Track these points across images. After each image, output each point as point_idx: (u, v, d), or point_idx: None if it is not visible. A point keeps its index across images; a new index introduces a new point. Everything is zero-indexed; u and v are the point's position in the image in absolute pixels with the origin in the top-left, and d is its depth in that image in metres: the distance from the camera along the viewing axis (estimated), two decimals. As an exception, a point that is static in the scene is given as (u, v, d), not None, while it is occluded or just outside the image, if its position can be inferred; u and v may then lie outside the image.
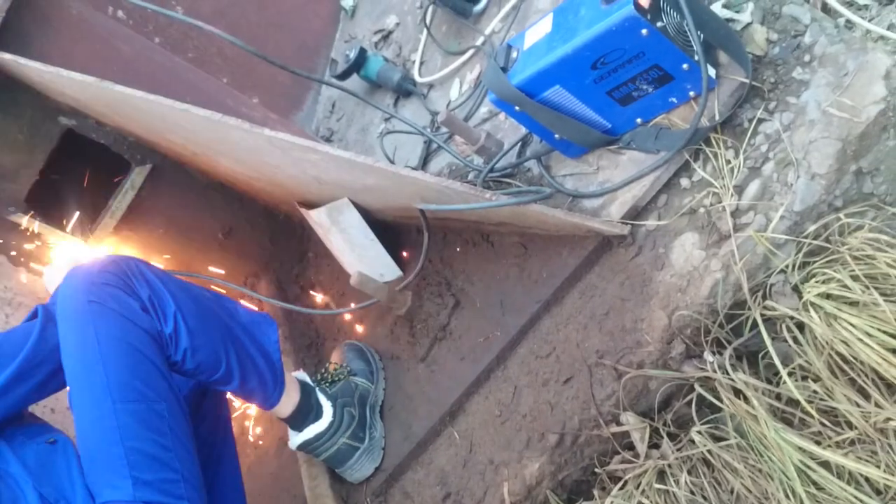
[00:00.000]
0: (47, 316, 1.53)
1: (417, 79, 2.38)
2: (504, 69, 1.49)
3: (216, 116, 1.57)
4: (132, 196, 2.34)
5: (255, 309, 1.83)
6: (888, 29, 1.66)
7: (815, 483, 1.28)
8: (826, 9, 1.65)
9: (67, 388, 1.42)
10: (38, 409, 2.42)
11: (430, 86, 2.34)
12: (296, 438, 1.77)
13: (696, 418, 1.42)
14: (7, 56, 1.88)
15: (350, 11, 2.99)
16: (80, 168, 2.36)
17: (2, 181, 2.15)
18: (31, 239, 2.26)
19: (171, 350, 1.48)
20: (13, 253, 2.25)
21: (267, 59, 2.14)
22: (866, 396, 1.25)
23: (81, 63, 2.03)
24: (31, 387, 1.49)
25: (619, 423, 1.49)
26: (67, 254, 1.88)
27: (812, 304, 1.28)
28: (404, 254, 2.05)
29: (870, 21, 1.70)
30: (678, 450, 1.44)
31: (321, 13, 3.02)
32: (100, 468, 1.34)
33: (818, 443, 1.28)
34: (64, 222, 2.28)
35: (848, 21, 1.66)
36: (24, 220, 2.20)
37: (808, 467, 1.27)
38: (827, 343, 1.26)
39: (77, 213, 2.29)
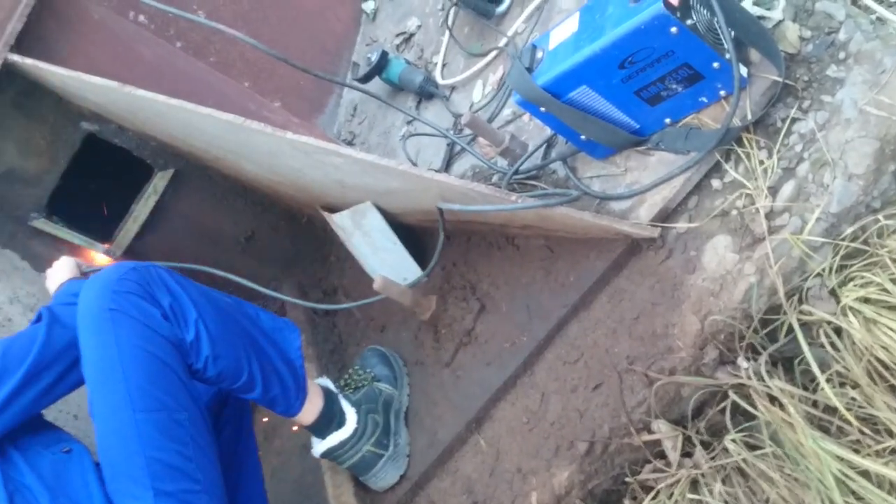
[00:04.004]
0: (52, 317, 1.52)
1: (440, 81, 2.36)
2: (529, 70, 1.46)
3: (239, 120, 1.56)
4: (155, 201, 2.33)
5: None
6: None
7: (853, 493, 1.24)
8: (856, 4, 1.61)
9: (78, 391, 1.42)
10: (62, 415, 2.42)
11: (453, 88, 2.32)
12: (319, 446, 1.74)
13: (730, 426, 1.39)
14: (29, 61, 1.88)
15: (371, 14, 2.97)
16: (103, 173, 2.36)
17: (24, 186, 2.15)
18: (54, 244, 2.26)
19: (193, 358, 1.46)
20: (36, 258, 2.25)
21: (289, 63, 2.12)
22: (907, 404, 1.22)
23: (103, 67, 2.02)
24: (39, 391, 1.48)
25: (650, 431, 1.46)
26: (71, 256, 1.87)
27: (850, 308, 1.25)
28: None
29: (903, 17, 1.66)
30: (712, 458, 1.40)
31: (342, 16, 3.00)
32: (120, 478, 1.33)
33: (857, 451, 1.24)
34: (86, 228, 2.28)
35: (879, 17, 1.62)
36: (47, 226, 2.20)
37: (847, 476, 1.23)
38: (866, 348, 1.23)
39: (99, 219, 2.29)
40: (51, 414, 1.69)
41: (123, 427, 1.33)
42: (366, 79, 2.53)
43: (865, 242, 1.29)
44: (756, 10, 1.46)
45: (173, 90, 1.75)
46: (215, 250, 2.53)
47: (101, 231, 2.34)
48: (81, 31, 2.09)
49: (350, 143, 2.75)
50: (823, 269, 1.30)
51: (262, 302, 2.59)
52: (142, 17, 2.45)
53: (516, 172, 1.78)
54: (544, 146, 1.78)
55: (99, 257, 2.33)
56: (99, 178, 2.37)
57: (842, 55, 1.35)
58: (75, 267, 1.81)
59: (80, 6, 2.10)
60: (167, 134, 2.11)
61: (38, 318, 1.56)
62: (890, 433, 1.23)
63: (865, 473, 1.22)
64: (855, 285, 1.27)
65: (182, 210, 2.41)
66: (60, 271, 1.78)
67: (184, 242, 2.45)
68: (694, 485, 1.41)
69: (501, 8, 2.21)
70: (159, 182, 2.33)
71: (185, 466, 1.35)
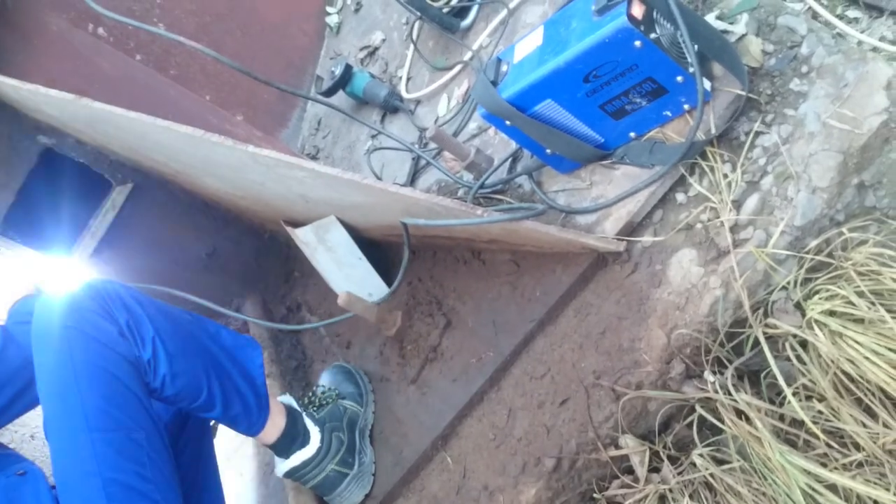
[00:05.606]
0: (6, 337, 1.48)
1: (404, 95, 2.35)
2: (494, 83, 1.45)
3: (198, 133, 1.53)
4: (113, 216, 2.29)
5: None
6: (879, 40, 1.64)
7: (821, 507, 1.23)
8: (817, 19, 1.63)
9: (36, 411, 1.38)
10: (18, 435, 2.36)
11: (418, 102, 2.31)
12: (282, 465, 1.71)
13: (697, 440, 1.38)
14: (-17, 73, 1.84)
15: (335, 28, 2.96)
16: (60, 187, 2.31)
17: (-21, 201, 2.10)
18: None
19: (150, 376, 1.42)
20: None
21: (251, 76, 2.10)
22: (873, 416, 1.21)
23: (61, 80, 1.99)
24: None
25: (617, 447, 1.44)
26: (27, 272, 1.83)
27: (816, 321, 1.24)
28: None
29: (861, 33, 1.68)
30: (679, 473, 1.39)
31: (306, 30, 2.99)
32: (76, 500, 1.29)
33: (824, 465, 1.23)
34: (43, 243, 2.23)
35: (839, 33, 1.63)
36: (3, 242, 2.15)
37: (815, 490, 1.22)
38: (832, 362, 1.22)
39: (57, 234, 2.24)
40: (7, 435, 1.64)
41: (79, 447, 1.29)
42: (330, 92, 2.52)
43: (830, 255, 1.29)
44: (719, 24, 1.46)
45: (132, 103, 1.71)
46: (176, 267, 2.48)
47: (59, 247, 2.28)
48: (39, 44, 2.05)
49: (314, 157, 2.72)
50: (788, 283, 1.30)
51: (225, 320, 2.55)
52: (101, 30, 2.41)
53: (482, 186, 1.77)
54: (510, 160, 1.77)
55: (56, 274, 2.28)
56: (57, 192, 2.32)
57: (804, 69, 1.36)
58: (31, 284, 1.77)
59: (38, 18, 2.06)
60: (126, 148, 2.07)
61: None
62: (857, 446, 1.23)
63: (833, 487, 1.22)
64: (820, 298, 1.27)
65: (141, 225, 2.37)
66: (16, 288, 1.74)
67: (143, 259, 2.41)
68: (662, 500, 1.40)
69: (466, 22, 2.21)
70: (118, 197, 2.28)
71: (142, 487, 1.31)
